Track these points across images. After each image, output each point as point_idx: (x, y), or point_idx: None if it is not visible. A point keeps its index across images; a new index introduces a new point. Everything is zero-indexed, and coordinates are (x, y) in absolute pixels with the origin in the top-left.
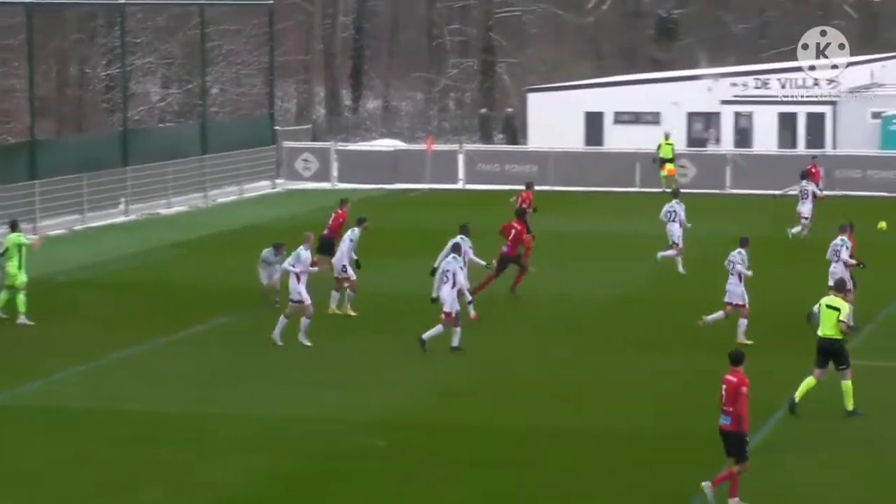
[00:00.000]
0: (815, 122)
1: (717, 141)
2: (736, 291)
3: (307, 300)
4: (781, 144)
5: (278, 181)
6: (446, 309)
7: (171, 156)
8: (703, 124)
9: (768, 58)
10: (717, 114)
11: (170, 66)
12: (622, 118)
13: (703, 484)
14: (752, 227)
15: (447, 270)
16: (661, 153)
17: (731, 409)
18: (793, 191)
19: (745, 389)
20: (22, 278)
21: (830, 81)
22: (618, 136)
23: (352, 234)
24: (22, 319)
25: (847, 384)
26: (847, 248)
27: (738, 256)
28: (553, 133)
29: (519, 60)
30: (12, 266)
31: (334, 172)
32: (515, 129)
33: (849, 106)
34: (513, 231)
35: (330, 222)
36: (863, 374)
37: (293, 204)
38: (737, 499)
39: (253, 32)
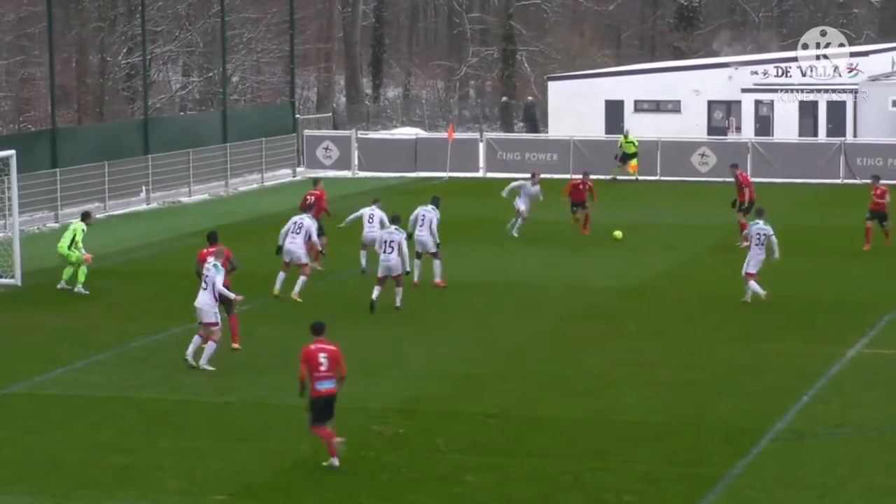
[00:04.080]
0: (836, 110)
1: (737, 129)
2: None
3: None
4: (802, 132)
5: (299, 169)
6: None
7: (192, 144)
8: (723, 112)
9: (788, 46)
10: (738, 102)
11: (190, 55)
12: (642, 106)
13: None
14: (773, 215)
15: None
16: (625, 149)
17: (333, 374)
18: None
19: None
20: (76, 255)
21: (850, 69)
22: (638, 125)
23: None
24: (78, 288)
25: None
26: None
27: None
28: (573, 121)
29: (539, 48)
30: (62, 246)
31: (355, 161)
32: (536, 118)
33: (869, 94)
34: None
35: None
36: (880, 361)
37: None
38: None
39: (273, 21)
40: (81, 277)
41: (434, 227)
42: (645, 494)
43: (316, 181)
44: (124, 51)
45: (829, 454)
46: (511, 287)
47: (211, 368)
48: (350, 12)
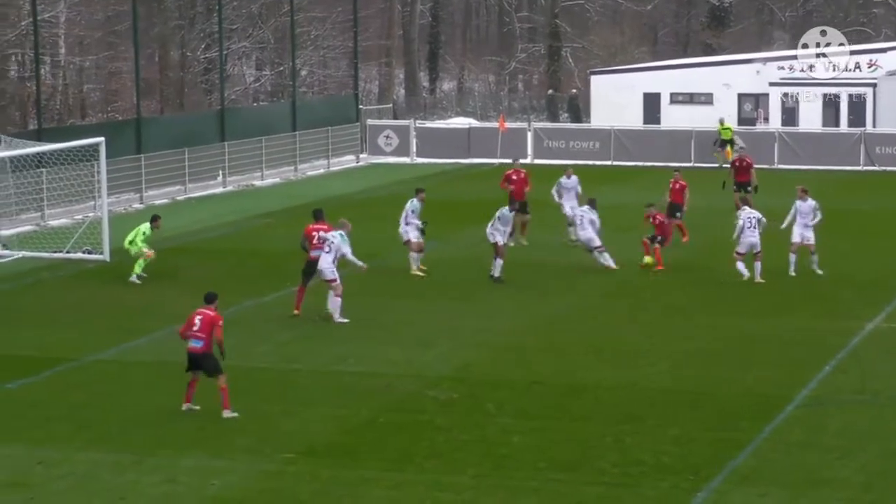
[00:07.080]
0: (857, 102)
1: (766, 120)
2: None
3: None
4: (825, 123)
5: (362, 156)
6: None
7: (264, 132)
8: (752, 104)
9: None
10: (766, 95)
11: (263, 50)
12: (677, 98)
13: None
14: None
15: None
16: (722, 136)
17: (204, 335)
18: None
19: (220, 322)
20: (135, 249)
21: (870, 65)
22: (673, 115)
23: (411, 204)
24: (132, 278)
25: None
26: None
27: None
28: (614, 112)
29: (582, 45)
30: (125, 241)
31: (413, 148)
32: (579, 109)
33: (888, 87)
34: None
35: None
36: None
37: (376, 177)
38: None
39: (338, 19)
40: (137, 269)
41: (596, 226)
42: (679, 456)
43: (515, 159)
44: (202, 47)
45: (848, 420)
46: (552, 265)
47: (345, 321)
48: (409, 11)
